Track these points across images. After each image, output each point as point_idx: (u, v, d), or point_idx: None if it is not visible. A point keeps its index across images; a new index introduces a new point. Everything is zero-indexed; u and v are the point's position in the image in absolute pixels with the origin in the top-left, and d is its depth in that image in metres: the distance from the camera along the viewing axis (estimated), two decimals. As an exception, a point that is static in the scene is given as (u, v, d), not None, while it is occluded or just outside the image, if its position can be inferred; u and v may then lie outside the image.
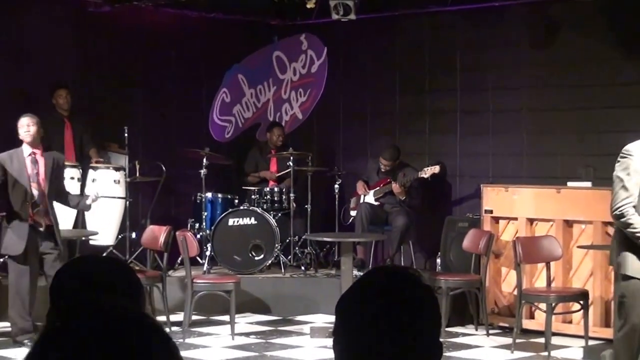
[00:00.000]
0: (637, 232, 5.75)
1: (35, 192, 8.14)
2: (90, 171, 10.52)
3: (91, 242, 10.38)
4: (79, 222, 10.40)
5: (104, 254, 10.53)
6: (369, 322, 1.94)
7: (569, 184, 9.28)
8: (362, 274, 9.42)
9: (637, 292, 5.87)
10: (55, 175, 8.37)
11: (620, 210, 5.79)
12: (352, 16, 10.15)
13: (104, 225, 10.38)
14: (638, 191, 5.77)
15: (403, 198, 10.81)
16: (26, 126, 8.16)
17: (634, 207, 5.77)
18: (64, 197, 8.65)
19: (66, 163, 10.36)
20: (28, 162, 8.16)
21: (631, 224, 5.77)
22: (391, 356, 1.91)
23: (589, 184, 9.18)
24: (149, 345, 1.49)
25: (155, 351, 1.50)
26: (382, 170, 10.99)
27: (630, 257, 5.88)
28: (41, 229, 8.20)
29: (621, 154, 5.90)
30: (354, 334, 1.96)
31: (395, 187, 10.76)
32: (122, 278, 2.44)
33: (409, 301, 1.96)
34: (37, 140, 8.27)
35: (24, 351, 7.77)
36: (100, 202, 10.45)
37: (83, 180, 10.43)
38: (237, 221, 10.71)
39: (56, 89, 10.59)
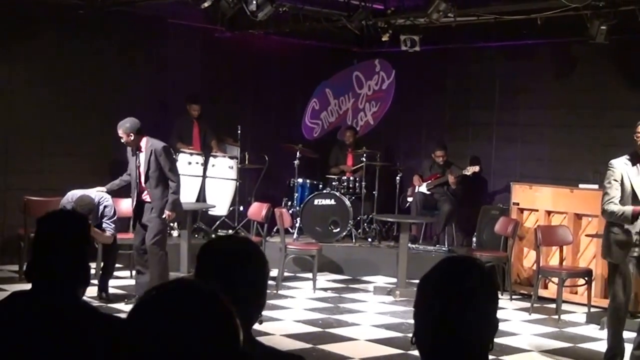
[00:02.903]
0: (617, 213, 5.90)
1: (140, 178, 7.75)
2: (211, 158, 10.62)
3: (209, 213, 10.48)
4: (201, 197, 10.49)
5: (217, 222, 10.69)
6: (441, 298, 1.86)
7: (580, 185, 9.14)
8: (415, 246, 9.33)
9: (618, 274, 5.98)
10: (152, 163, 7.63)
11: (604, 207, 5.98)
12: (417, 48, 10.02)
13: (219, 200, 10.46)
14: (619, 194, 5.92)
15: (455, 187, 10.76)
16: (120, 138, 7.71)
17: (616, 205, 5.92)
18: (164, 184, 7.72)
19: (193, 151, 10.47)
20: (134, 155, 7.79)
21: (612, 210, 5.91)
22: (457, 326, 1.85)
23: (596, 186, 8.96)
24: (206, 315, 1.42)
25: (212, 322, 1.41)
26: (440, 163, 10.92)
27: (612, 248, 6.00)
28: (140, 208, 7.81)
29: (607, 167, 6.06)
30: (430, 307, 1.88)
31: (451, 178, 10.72)
32: (253, 252, 2.42)
33: (473, 284, 1.88)
34: (132, 145, 7.66)
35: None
36: (217, 183, 10.61)
37: (205, 165, 10.52)
38: (321, 201, 10.73)
39: (192, 103, 10.60)
